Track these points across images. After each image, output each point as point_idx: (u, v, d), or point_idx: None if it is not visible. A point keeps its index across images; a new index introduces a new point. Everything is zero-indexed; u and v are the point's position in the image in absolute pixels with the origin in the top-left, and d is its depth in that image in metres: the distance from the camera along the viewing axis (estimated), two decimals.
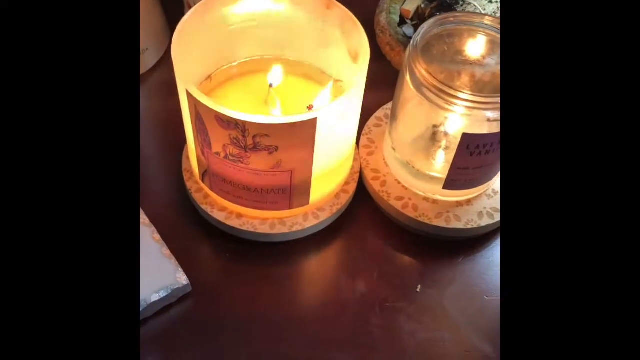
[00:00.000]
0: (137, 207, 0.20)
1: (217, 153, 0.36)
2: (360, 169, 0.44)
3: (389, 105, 0.46)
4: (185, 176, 0.43)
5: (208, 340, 0.38)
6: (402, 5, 0.53)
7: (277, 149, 0.35)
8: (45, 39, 0.19)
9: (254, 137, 0.34)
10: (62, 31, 0.19)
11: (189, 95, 0.34)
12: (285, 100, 0.41)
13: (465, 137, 0.37)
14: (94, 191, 0.19)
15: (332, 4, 0.38)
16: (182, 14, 0.37)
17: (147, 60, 0.50)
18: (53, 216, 0.19)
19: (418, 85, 0.37)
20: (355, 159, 0.44)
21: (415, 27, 0.51)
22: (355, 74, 0.37)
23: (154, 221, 0.41)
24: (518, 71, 0.20)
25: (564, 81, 0.19)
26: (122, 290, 0.20)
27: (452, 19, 0.39)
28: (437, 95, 0.36)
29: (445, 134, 0.40)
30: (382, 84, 0.46)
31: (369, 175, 0.44)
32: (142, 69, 0.51)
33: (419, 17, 0.52)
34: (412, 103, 0.39)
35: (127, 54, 0.21)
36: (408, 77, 0.38)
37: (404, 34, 0.51)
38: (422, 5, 0.52)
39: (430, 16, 0.50)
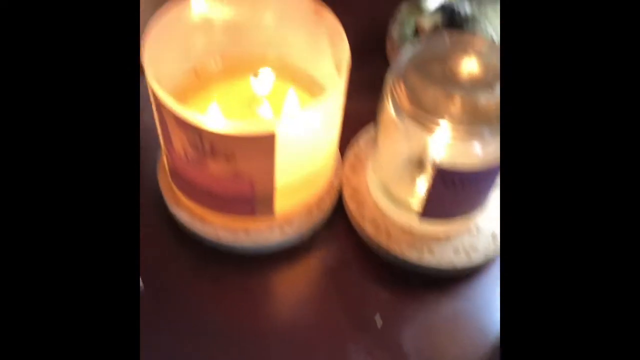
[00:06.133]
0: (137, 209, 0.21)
1: (178, 153, 0.35)
2: (341, 186, 0.42)
3: None
4: (160, 175, 0.41)
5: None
6: (418, 17, 0.50)
7: (234, 156, 0.33)
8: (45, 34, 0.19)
9: (211, 142, 0.32)
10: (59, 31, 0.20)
11: (151, 90, 0.33)
12: (275, 103, 0.40)
13: (439, 170, 0.34)
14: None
15: (322, 10, 0.36)
16: None
17: None
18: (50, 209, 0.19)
19: (398, 110, 0.34)
20: (336, 175, 0.42)
21: None
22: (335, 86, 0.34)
23: None
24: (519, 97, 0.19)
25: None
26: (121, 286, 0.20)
27: (445, 40, 0.36)
28: (417, 123, 0.34)
29: (427, 163, 0.37)
30: None
31: (347, 192, 0.41)
32: None
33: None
34: (391, 128, 0.36)
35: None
36: (388, 101, 0.35)
37: None
38: (441, 22, 0.49)
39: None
